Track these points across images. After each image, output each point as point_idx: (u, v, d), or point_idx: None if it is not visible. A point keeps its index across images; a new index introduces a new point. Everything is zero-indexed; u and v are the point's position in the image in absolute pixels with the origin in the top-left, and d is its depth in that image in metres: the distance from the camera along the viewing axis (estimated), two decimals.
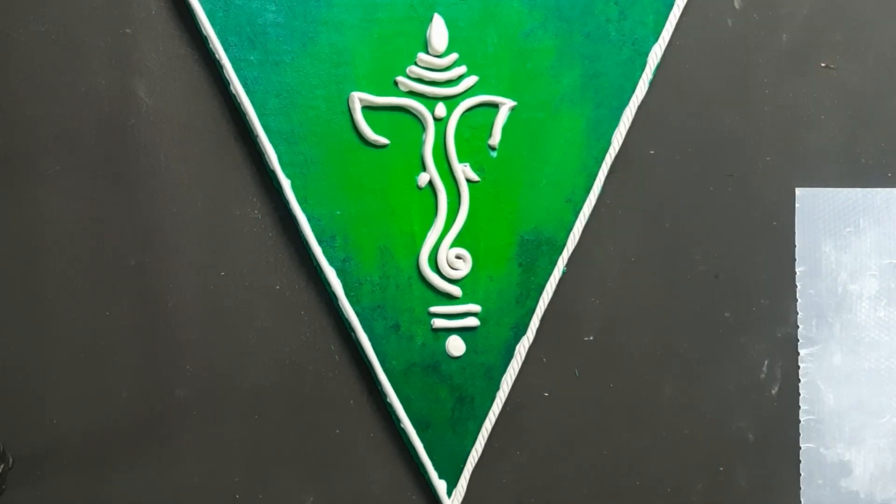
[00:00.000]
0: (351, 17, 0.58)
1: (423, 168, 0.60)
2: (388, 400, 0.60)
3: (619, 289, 0.64)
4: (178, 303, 0.58)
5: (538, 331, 0.62)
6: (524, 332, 0.62)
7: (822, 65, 0.66)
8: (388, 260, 0.60)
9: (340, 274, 0.59)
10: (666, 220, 0.65)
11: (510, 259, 0.61)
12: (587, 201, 0.62)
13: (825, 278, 0.67)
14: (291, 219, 0.58)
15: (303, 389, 0.60)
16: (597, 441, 0.65)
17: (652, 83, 0.63)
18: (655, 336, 0.65)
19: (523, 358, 0.62)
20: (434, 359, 0.61)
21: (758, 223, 0.66)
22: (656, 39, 0.62)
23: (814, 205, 0.66)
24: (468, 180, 0.60)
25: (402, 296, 0.60)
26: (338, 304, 0.59)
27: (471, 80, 0.59)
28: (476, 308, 0.61)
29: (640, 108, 0.62)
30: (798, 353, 0.67)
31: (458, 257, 0.61)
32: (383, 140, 0.59)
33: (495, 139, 0.60)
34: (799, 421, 0.67)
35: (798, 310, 0.66)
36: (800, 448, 0.67)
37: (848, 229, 0.67)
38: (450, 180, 0.60)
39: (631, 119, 0.62)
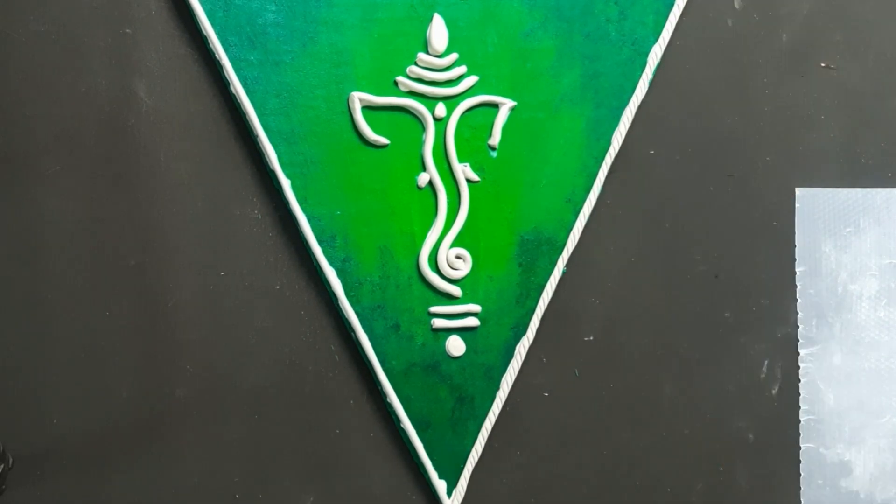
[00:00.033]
0: (351, 17, 0.58)
1: (423, 168, 0.60)
2: (388, 400, 0.60)
3: (619, 289, 0.64)
4: (178, 303, 0.58)
5: (538, 331, 0.62)
6: (524, 332, 0.62)
7: (822, 65, 0.66)
8: (388, 260, 0.60)
9: (340, 274, 0.59)
10: (666, 220, 0.65)
11: (510, 259, 0.61)
12: (587, 201, 0.62)
13: (825, 278, 0.67)
14: (291, 219, 0.58)
15: (303, 389, 0.60)
16: (597, 441, 0.65)
17: (652, 83, 0.63)
18: (655, 336, 0.65)
19: (523, 358, 0.62)
20: (434, 359, 0.61)
21: (758, 223, 0.66)
22: (656, 39, 0.62)
23: (814, 205, 0.66)
24: (468, 180, 0.60)
25: (402, 296, 0.60)
26: (338, 304, 0.59)
27: (471, 80, 0.59)
28: (476, 308, 0.61)
29: (640, 108, 0.62)
30: (798, 353, 0.67)
31: (458, 257, 0.61)
32: (383, 140, 0.59)
33: (495, 139, 0.60)
34: (799, 421, 0.67)
35: (798, 310, 0.66)
36: (800, 448, 0.67)
37: (848, 229, 0.67)
38: (450, 180, 0.60)
39: (631, 119, 0.62)
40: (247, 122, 0.57)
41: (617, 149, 0.62)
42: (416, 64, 0.59)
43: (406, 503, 0.62)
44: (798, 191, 0.66)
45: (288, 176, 0.58)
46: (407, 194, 0.60)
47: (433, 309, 0.60)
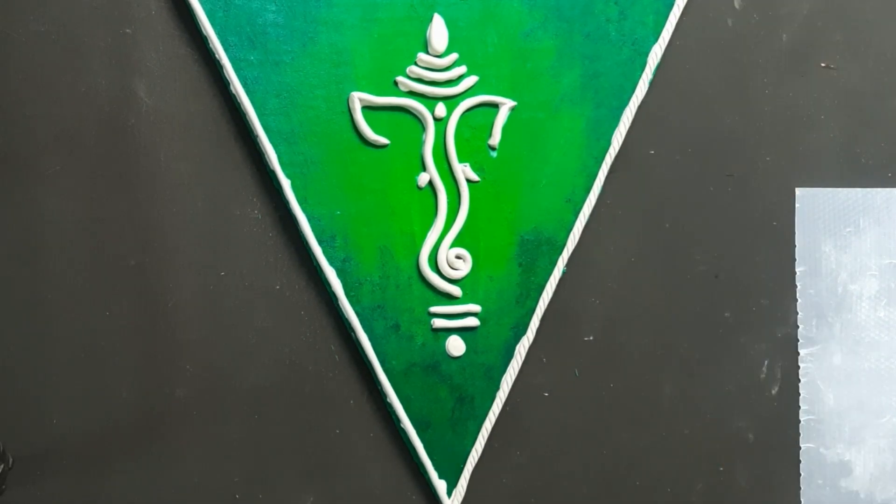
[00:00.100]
0: (351, 17, 0.58)
1: (423, 168, 0.60)
2: (388, 400, 0.60)
3: (619, 289, 0.64)
4: (178, 303, 0.58)
5: (538, 331, 0.62)
6: (524, 332, 0.62)
7: (822, 65, 0.66)
8: (388, 260, 0.60)
9: (340, 274, 0.59)
10: (666, 220, 0.65)
11: (510, 259, 0.61)
12: (587, 201, 0.62)
13: (825, 278, 0.67)
14: (291, 219, 0.58)
15: (303, 389, 0.60)
16: (597, 441, 0.65)
17: (652, 83, 0.63)
18: (655, 336, 0.65)
19: (523, 358, 0.62)
20: (434, 359, 0.61)
21: (758, 223, 0.66)
22: (656, 39, 0.62)
23: (814, 205, 0.66)
24: (468, 180, 0.60)
25: (402, 296, 0.60)
26: (338, 304, 0.59)
27: (471, 80, 0.59)
28: (476, 308, 0.61)
29: (640, 108, 0.62)
30: (798, 353, 0.67)
31: (458, 257, 0.61)
32: (383, 140, 0.59)
33: (495, 139, 0.60)
34: (799, 421, 0.67)
35: (798, 310, 0.66)
36: (800, 448, 0.67)
37: (848, 229, 0.67)
38: (450, 180, 0.60)
39: (631, 119, 0.62)
40: (247, 122, 0.57)
41: (617, 149, 0.62)
42: (416, 64, 0.59)
43: (406, 503, 0.62)
44: (798, 191, 0.66)
45: (288, 176, 0.58)
46: (407, 194, 0.60)
47: (433, 309, 0.60)
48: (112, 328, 0.57)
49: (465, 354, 0.61)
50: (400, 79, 0.59)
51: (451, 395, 0.61)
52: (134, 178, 0.57)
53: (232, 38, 0.56)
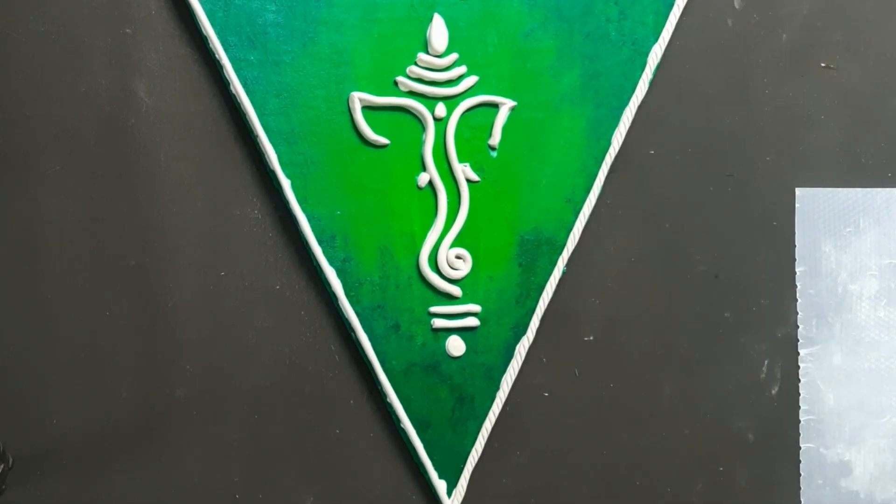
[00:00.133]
0: (351, 17, 0.58)
1: (423, 168, 0.60)
2: (388, 400, 0.60)
3: (619, 289, 0.64)
4: (178, 303, 0.58)
5: (538, 331, 0.62)
6: (524, 332, 0.62)
7: (822, 65, 0.66)
8: (388, 260, 0.60)
9: (340, 274, 0.59)
10: (666, 220, 0.65)
11: (510, 259, 0.61)
12: (587, 201, 0.62)
13: (825, 278, 0.67)
14: (291, 219, 0.58)
15: (303, 389, 0.60)
16: (597, 441, 0.65)
17: (652, 83, 0.63)
18: (655, 336, 0.65)
19: (523, 358, 0.62)
20: (434, 359, 0.61)
21: (758, 223, 0.66)
22: (656, 39, 0.62)
23: (814, 205, 0.66)
24: (468, 180, 0.60)
25: (402, 296, 0.60)
26: (338, 304, 0.59)
27: (471, 80, 0.59)
28: (476, 308, 0.61)
29: (640, 108, 0.62)
30: (798, 353, 0.67)
31: (458, 257, 0.61)
32: (383, 140, 0.59)
33: (495, 139, 0.60)
34: (799, 421, 0.67)
35: (798, 310, 0.66)
36: (800, 448, 0.67)
37: (848, 229, 0.67)
38: (450, 180, 0.60)
39: (631, 119, 0.62)
40: (247, 122, 0.57)
41: (617, 149, 0.62)
42: (416, 64, 0.59)
43: (406, 503, 0.62)
44: (798, 191, 0.66)
45: (288, 176, 0.58)
46: (407, 194, 0.60)
47: (433, 309, 0.60)
48: (112, 328, 0.57)
49: (465, 354, 0.61)
50: (400, 79, 0.59)
51: (451, 395, 0.61)
52: (134, 178, 0.57)
53: (232, 38, 0.56)
